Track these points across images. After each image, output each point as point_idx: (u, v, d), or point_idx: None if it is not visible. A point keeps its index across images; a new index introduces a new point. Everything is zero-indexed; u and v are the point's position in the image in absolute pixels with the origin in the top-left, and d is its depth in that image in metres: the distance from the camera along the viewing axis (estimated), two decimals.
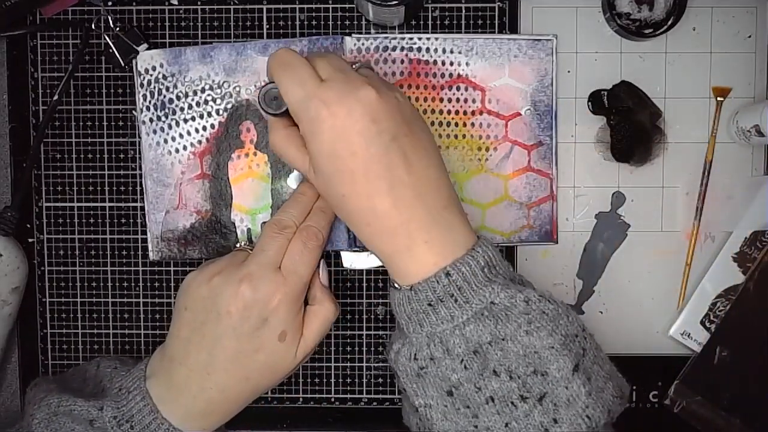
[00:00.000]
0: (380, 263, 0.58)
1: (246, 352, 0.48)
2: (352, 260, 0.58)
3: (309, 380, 0.59)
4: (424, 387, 0.45)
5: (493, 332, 0.43)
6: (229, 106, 0.56)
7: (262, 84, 0.50)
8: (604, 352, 0.47)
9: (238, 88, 0.56)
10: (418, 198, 0.45)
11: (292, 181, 0.57)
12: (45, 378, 0.56)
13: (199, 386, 0.49)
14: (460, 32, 0.57)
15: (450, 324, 0.44)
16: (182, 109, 0.57)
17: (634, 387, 0.59)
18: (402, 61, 0.56)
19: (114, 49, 0.56)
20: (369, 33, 0.57)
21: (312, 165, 0.47)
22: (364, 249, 0.57)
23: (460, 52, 0.56)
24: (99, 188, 0.58)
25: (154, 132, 0.57)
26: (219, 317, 0.48)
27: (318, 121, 0.45)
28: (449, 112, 0.56)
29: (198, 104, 0.56)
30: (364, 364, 0.59)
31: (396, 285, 0.47)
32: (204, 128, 0.57)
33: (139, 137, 0.57)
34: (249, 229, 0.57)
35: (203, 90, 0.56)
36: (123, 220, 0.59)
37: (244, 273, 0.48)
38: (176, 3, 0.58)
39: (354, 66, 0.48)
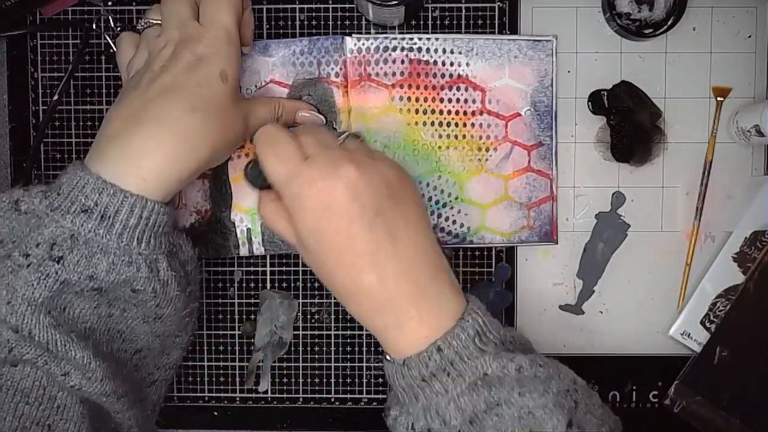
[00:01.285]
0: None
1: (187, 85, 0.45)
2: None
3: (309, 380, 0.59)
4: None
5: (487, 399, 0.43)
6: None
7: (246, 162, 0.50)
8: (596, 396, 0.47)
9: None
10: (404, 272, 0.45)
11: None
12: None
13: (134, 125, 0.44)
14: (460, 32, 0.57)
15: (445, 397, 0.44)
16: None
17: (634, 387, 0.59)
18: (402, 62, 0.56)
19: (114, 50, 0.56)
20: (369, 33, 0.57)
21: (299, 240, 0.47)
22: None
23: (460, 53, 0.56)
24: None
25: None
26: (153, 72, 0.47)
27: (301, 198, 0.45)
28: (449, 112, 0.56)
29: None
30: (364, 364, 0.59)
31: (388, 357, 0.47)
32: None
33: None
34: (249, 229, 0.57)
35: None
36: None
37: (166, 39, 0.48)
38: None
39: (341, 137, 0.48)
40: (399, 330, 0.45)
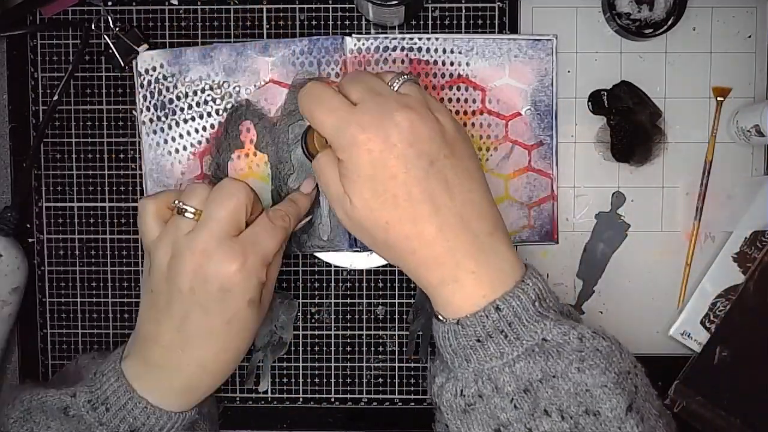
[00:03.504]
0: (381, 263, 0.58)
1: (218, 324, 0.47)
2: (352, 260, 0.58)
3: (309, 380, 0.59)
4: (470, 424, 0.43)
5: (543, 369, 0.41)
6: (229, 106, 0.56)
7: (302, 134, 0.52)
8: (652, 387, 0.45)
9: (238, 88, 0.56)
10: (463, 223, 0.43)
11: (292, 182, 0.57)
12: (27, 383, 0.55)
13: (176, 364, 0.48)
14: (460, 32, 0.57)
15: (499, 361, 0.42)
16: (182, 110, 0.57)
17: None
18: (402, 61, 0.56)
19: (114, 50, 0.56)
20: (369, 33, 0.57)
21: (348, 193, 0.45)
22: (364, 249, 0.57)
23: (460, 52, 0.56)
24: (99, 188, 0.58)
25: (155, 132, 0.57)
26: (182, 295, 0.47)
27: (355, 146, 0.43)
28: (449, 112, 0.56)
29: (198, 104, 0.56)
30: (364, 364, 0.59)
31: (440, 317, 0.45)
32: (204, 128, 0.57)
33: (139, 137, 0.57)
34: None
35: (203, 90, 0.56)
36: (123, 220, 0.59)
37: (194, 247, 0.46)
38: (176, 3, 0.58)
39: (400, 79, 0.47)
40: (456, 285, 0.43)
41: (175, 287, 0.47)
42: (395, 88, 0.46)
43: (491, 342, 0.42)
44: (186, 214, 0.48)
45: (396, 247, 0.45)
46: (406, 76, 0.47)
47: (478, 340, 0.42)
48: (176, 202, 0.48)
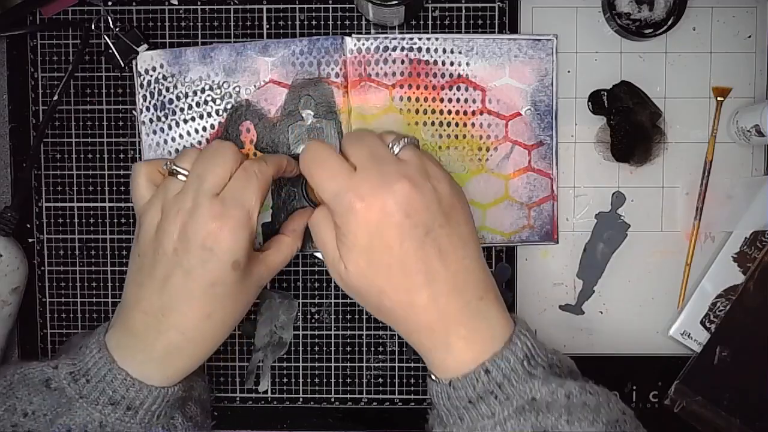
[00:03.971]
0: None
1: (199, 287, 0.46)
2: None
3: (309, 380, 0.59)
4: None
5: (534, 425, 0.42)
6: (229, 106, 0.56)
7: (301, 182, 0.54)
8: (641, 427, 0.46)
9: (238, 89, 0.56)
10: (454, 291, 0.45)
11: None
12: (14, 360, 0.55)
13: (155, 329, 0.46)
14: (460, 32, 0.57)
15: (491, 420, 0.43)
16: (182, 110, 0.57)
17: (634, 387, 0.59)
18: (402, 61, 0.56)
19: (114, 50, 0.56)
20: (369, 33, 0.57)
21: (344, 259, 0.46)
22: None
23: (460, 52, 0.56)
24: (99, 188, 0.58)
25: (155, 132, 0.57)
26: (166, 257, 0.46)
27: (352, 213, 0.44)
28: (449, 112, 0.56)
29: (198, 104, 0.56)
30: (364, 364, 0.59)
31: (433, 377, 0.46)
32: (204, 128, 0.57)
33: (139, 137, 0.57)
34: None
35: (203, 90, 0.56)
36: (123, 220, 0.59)
37: (180, 206, 0.46)
38: (176, 3, 0.58)
39: (401, 142, 0.47)
40: (447, 351, 0.45)
41: (161, 248, 0.46)
42: (396, 152, 0.47)
43: (482, 403, 0.44)
44: (179, 177, 0.48)
45: (389, 312, 0.46)
46: (406, 140, 0.48)
47: (470, 402, 0.44)
48: (168, 164, 0.49)
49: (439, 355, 0.45)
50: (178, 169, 0.48)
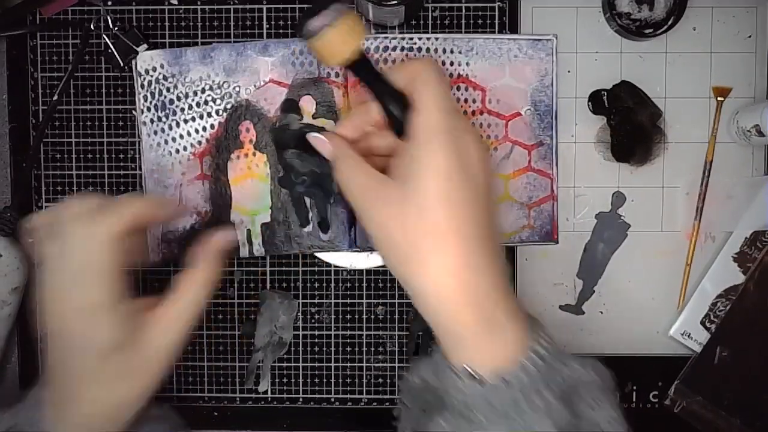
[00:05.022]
0: (381, 263, 0.58)
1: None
2: (352, 260, 0.58)
3: (309, 380, 0.59)
4: None
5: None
6: (229, 106, 0.56)
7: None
8: None
9: (237, 88, 0.56)
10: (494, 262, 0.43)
11: None
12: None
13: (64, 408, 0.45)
14: (460, 32, 0.57)
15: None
16: (183, 110, 0.57)
17: (634, 387, 0.59)
18: (402, 62, 0.56)
19: (113, 50, 0.56)
20: (369, 33, 0.57)
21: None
22: (364, 249, 0.57)
23: (460, 52, 0.56)
24: (99, 188, 0.58)
25: (155, 133, 0.57)
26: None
27: (462, 141, 0.43)
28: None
29: (198, 104, 0.56)
30: (364, 364, 0.59)
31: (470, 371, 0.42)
32: (204, 129, 0.57)
33: (139, 138, 0.57)
34: (249, 230, 0.57)
35: (203, 90, 0.56)
36: None
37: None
38: (176, 3, 0.58)
39: None
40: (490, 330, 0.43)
41: None
42: None
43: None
44: None
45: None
46: None
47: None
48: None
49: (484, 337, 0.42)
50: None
